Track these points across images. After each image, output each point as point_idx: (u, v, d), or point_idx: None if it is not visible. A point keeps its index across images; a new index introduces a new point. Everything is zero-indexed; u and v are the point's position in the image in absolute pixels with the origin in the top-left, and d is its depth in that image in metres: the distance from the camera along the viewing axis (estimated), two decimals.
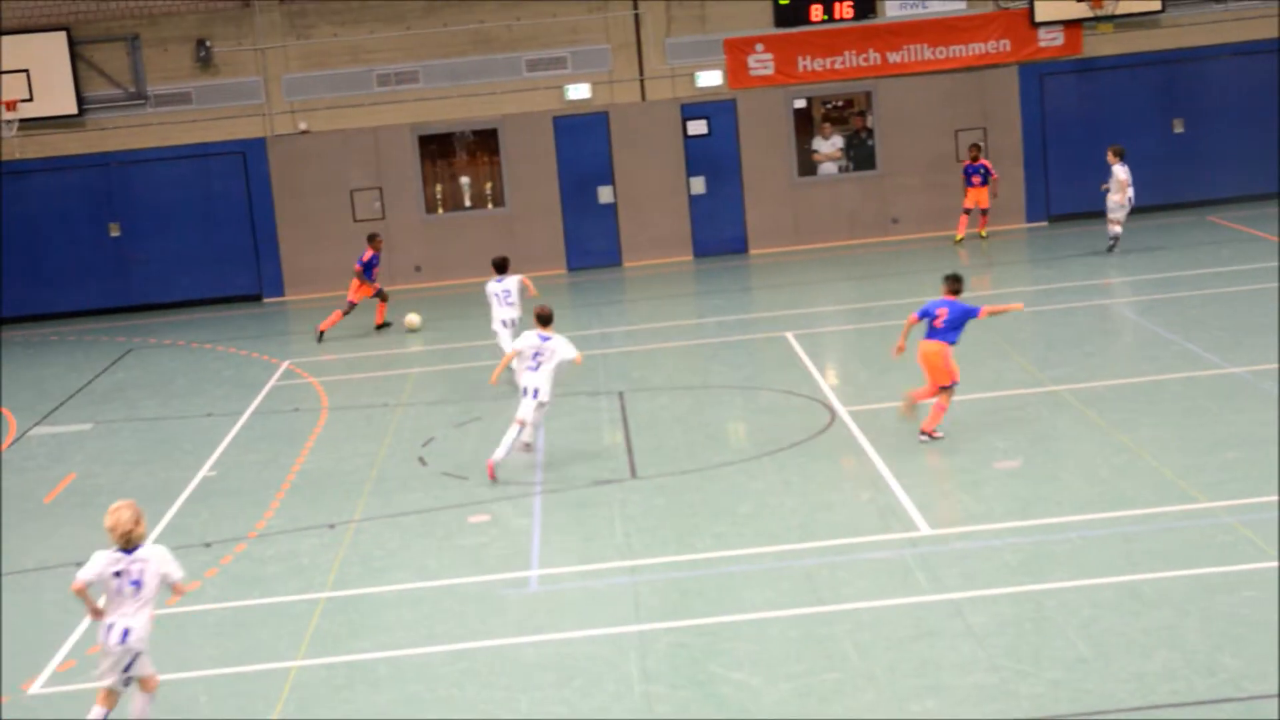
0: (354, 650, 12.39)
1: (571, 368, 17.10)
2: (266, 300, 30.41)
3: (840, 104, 31.45)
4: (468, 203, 30.76)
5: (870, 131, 30.86)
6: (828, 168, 31.00)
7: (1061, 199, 30.89)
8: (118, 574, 10.54)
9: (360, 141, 30.18)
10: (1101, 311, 22.51)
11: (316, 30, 29.99)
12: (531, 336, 16.85)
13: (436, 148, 30.64)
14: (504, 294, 21.20)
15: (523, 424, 16.69)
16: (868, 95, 30.75)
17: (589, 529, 14.97)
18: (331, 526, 15.66)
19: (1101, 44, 30.48)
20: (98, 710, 10.68)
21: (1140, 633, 11.31)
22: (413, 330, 25.66)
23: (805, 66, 30.34)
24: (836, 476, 16.02)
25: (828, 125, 31.03)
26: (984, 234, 29.70)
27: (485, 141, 30.62)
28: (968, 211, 29.50)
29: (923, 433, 16.70)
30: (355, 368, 23.49)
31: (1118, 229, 27.11)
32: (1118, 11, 29.75)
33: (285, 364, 24.00)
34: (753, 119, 30.50)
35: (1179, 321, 21.35)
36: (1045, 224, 30.77)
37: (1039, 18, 30.01)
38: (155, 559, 10.65)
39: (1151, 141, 30.32)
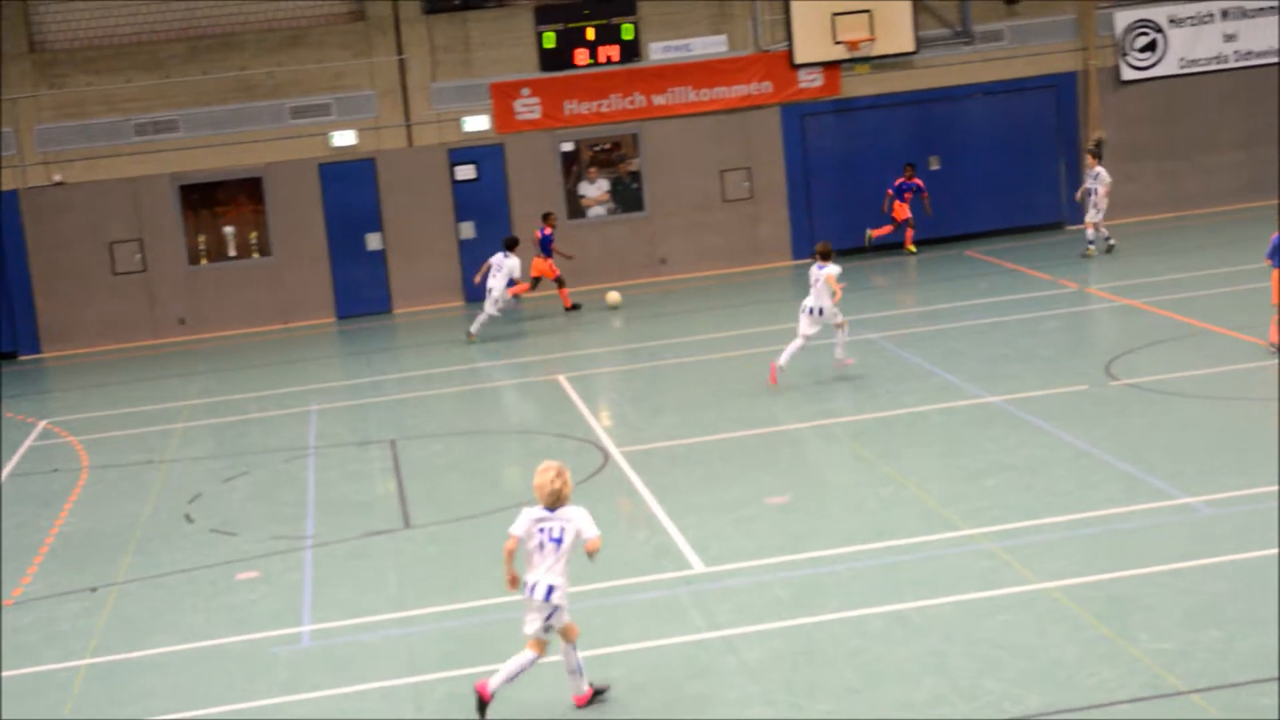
0: (117, 719, 11.98)
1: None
2: (22, 358, 29.39)
3: (608, 146, 31.70)
4: (232, 252, 30.20)
5: (637, 174, 31.15)
6: (596, 210, 31.21)
7: (826, 236, 31.40)
8: (540, 529, 11.09)
9: (119, 192, 29.43)
10: (865, 346, 22.98)
11: (70, 79, 29.21)
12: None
13: (199, 197, 30.03)
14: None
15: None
16: (634, 137, 31.06)
17: (362, 581, 14.74)
18: (93, 590, 15.15)
19: (859, 84, 31.26)
20: (528, 654, 11.16)
21: (908, 660, 11.52)
22: (614, 307, 27.43)
23: (572, 110, 30.53)
24: (611, 518, 16.03)
25: (594, 169, 31.25)
26: (913, 249, 30.90)
27: (249, 190, 30.12)
28: (896, 224, 30.57)
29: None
30: (118, 424, 22.82)
31: (1104, 230, 28.56)
32: (874, 53, 30.55)
33: (43, 423, 23.22)
34: (521, 163, 30.57)
35: (939, 353, 21.93)
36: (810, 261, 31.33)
37: (798, 60, 30.65)
38: (575, 518, 11.10)
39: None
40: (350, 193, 30.07)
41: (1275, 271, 19.32)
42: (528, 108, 30.45)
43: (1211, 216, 31.41)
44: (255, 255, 30.16)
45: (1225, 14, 31.70)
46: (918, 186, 30.54)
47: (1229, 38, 31.81)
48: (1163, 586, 12.47)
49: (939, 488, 15.75)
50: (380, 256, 30.34)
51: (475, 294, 30.32)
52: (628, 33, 30.41)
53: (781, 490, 16.22)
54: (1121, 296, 24.40)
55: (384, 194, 30.20)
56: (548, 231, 28.15)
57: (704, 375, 22.31)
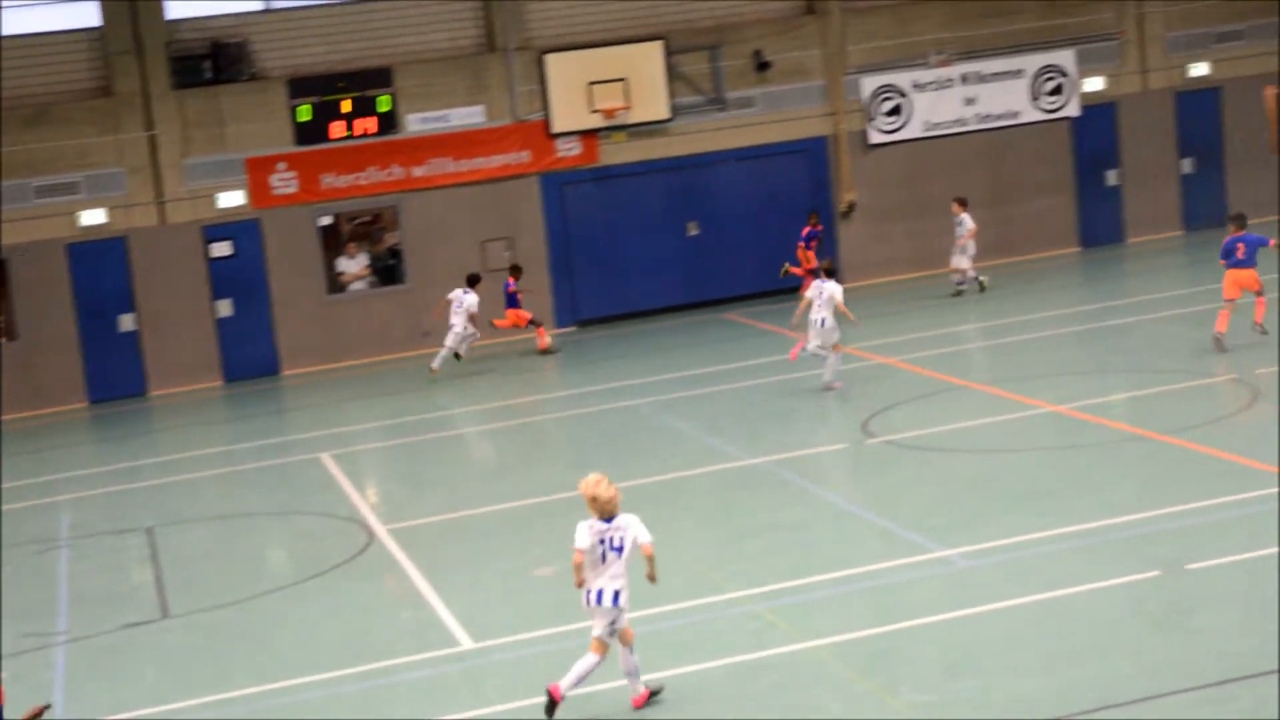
0: None
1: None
2: None
3: (368, 219, 31.44)
4: None
5: (397, 247, 30.94)
6: (357, 285, 30.89)
7: (589, 303, 31.73)
8: (601, 540, 11.73)
9: None
10: (630, 412, 23.10)
11: None
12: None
13: None
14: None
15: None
16: (394, 209, 30.86)
17: (118, 676, 14.22)
18: None
19: (617, 152, 31.58)
20: (592, 657, 11.76)
21: None
22: None
23: (329, 183, 30.23)
24: (378, 597, 15.80)
25: (352, 244, 30.94)
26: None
27: None
28: (807, 273, 30.55)
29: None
30: None
31: (972, 272, 29.66)
32: (630, 121, 30.92)
33: None
34: (279, 238, 30.12)
35: (702, 417, 22.14)
36: (574, 329, 31.50)
37: (555, 129, 30.85)
38: (630, 525, 11.76)
39: (668, 244, 31.58)
40: (100, 273, 29.24)
41: (1228, 271, 22.22)
42: (284, 182, 30.05)
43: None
44: (0, 340, 29.10)
45: (965, 79, 32.87)
46: (818, 234, 31.09)
47: (969, 101, 32.97)
48: (923, 639, 12.72)
49: (705, 552, 15.85)
50: (134, 337, 29.53)
51: (235, 372, 29.75)
52: (384, 105, 30.24)
53: (549, 561, 16.13)
54: (878, 355, 24.98)
55: (136, 273, 29.44)
56: (511, 284, 28.85)
57: (470, 447, 22.16)
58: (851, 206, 32.63)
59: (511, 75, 30.89)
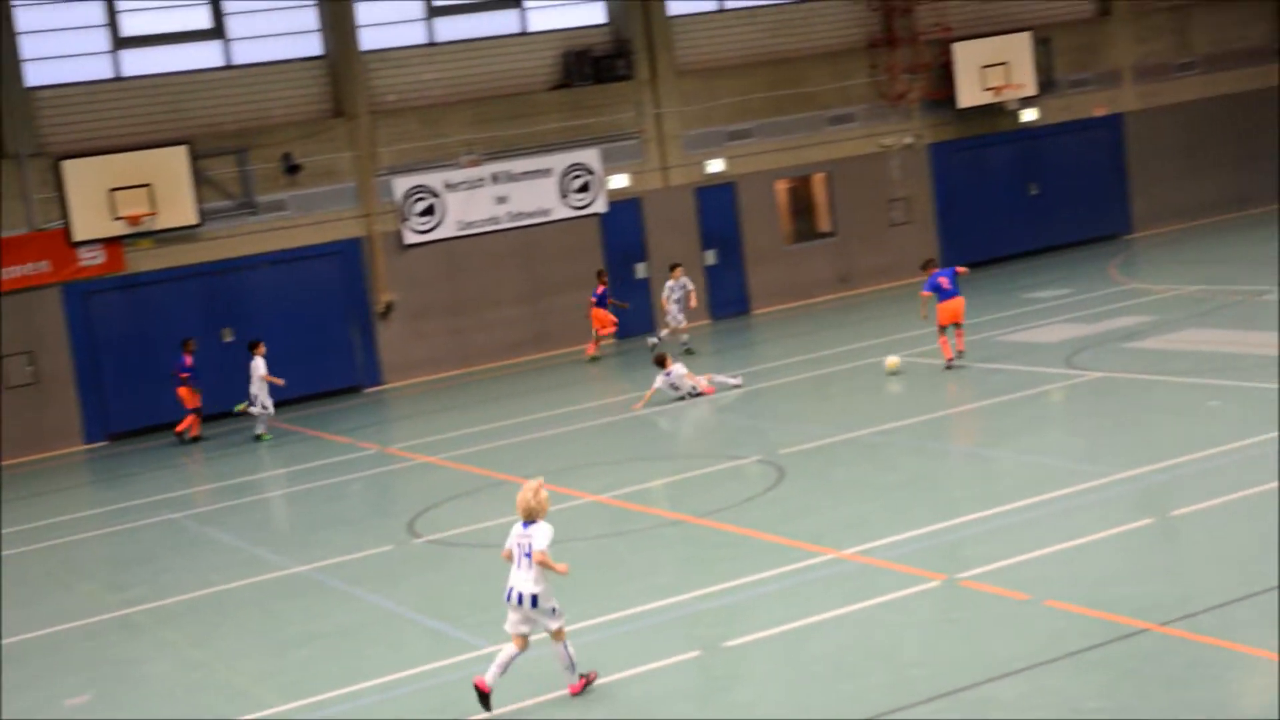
0: None
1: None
2: None
3: None
4: None
5: None
6: None
7: (121, 416, 30.52)
8: (518, 544, 12.79)
9: None
10: (171, 526, 22.27)
11: None
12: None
13: None
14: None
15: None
16: None
17: None
18: None
19: (145, 259, 30.64)
20: (512, 648, 12.86)
21: None
22: (894, 372, 25.91)
23: None
24: None
25: None
26: (595, 355, 31.73)
27: None
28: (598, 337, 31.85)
29: None
30: None
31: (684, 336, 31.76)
32: (157, 227, 30.05)
33: None
34: None
35: (245, 527, 21.56)
36: (106, 443, 30.22)
37: (77, 237, 29.69)
38: (536, 533, 12.71)
39: (201, 352, 30.61)
40: None
41: (940, 304, 25.31)
42: None
43: (498, 370, 32.87)
44: None
45: (496, 178, 33.49)
46: (605, 294, 31.93)
47: (501, 200, 33.60)
48: None
49: (250, 664, 15.36)
50: None
51: None
52: None
53: (84, 689, 15.29)
54: (420, 454, 24.95)
55: None
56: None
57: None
58: (389, 307, 32.64)
59: (26, 183, 29.55)
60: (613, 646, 14.43)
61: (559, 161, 34.11)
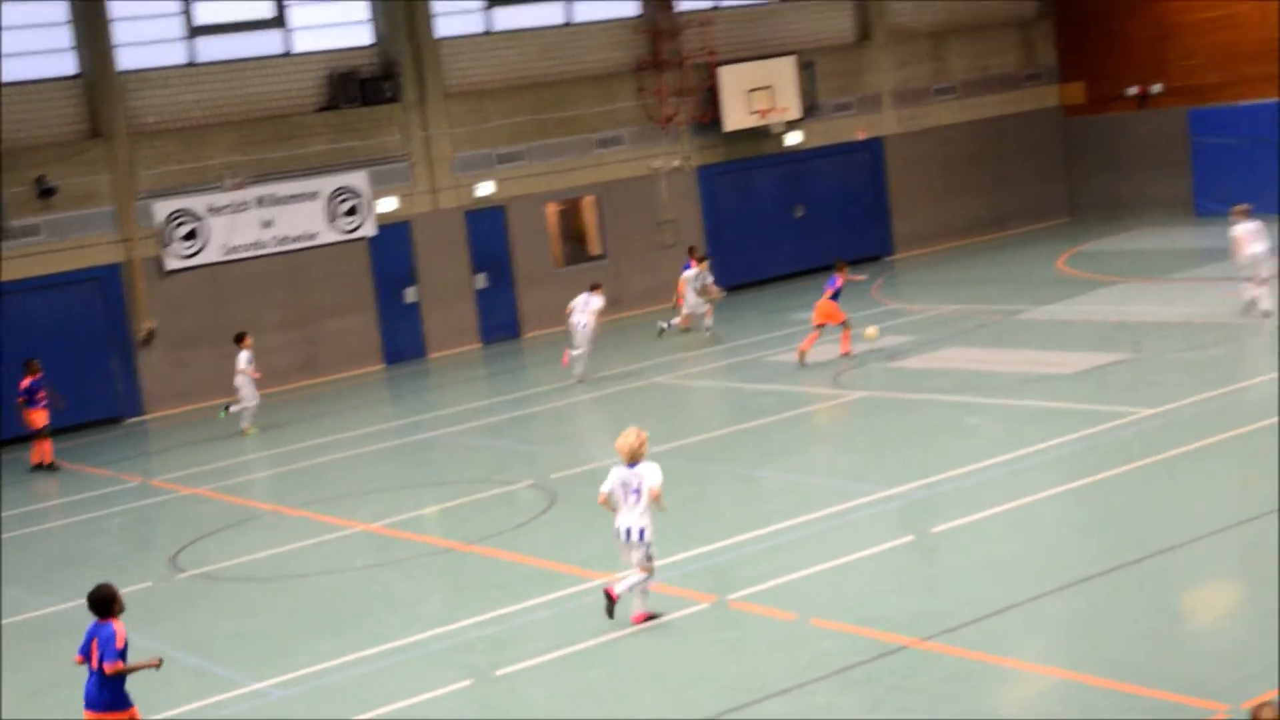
0: None
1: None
2: None
3: None
4: None
5: None
6: None
7: None
8: (623, 484, 14.27)
9: None
10: None
11: None
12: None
13: None
14: None
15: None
16: None
17: None
18: None
19: None
20: (639, 574, 14.35)
21: None
22: (871, 339, 27.46)
23: None
24: None
25: None
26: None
27: None
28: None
29: None
30: None
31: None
32: None
33: None
34: None
35: None
36: None
37: None
38: (645, 473, 14.12)
39: None
40: None
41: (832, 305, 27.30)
42: None
43: (265, 397, 32.11)
44: None
45: (261, 201, 32.84)
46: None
47: (267, 224, 32.95)
48: None
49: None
50: None
51: None
52: None
53: None
54: (185, 486, 24.29)
55: None
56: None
57: None
58: (151, 334, 31.75)
59: None
60: (383, 678, 14.21)
61: (326, 185, 33.59)
